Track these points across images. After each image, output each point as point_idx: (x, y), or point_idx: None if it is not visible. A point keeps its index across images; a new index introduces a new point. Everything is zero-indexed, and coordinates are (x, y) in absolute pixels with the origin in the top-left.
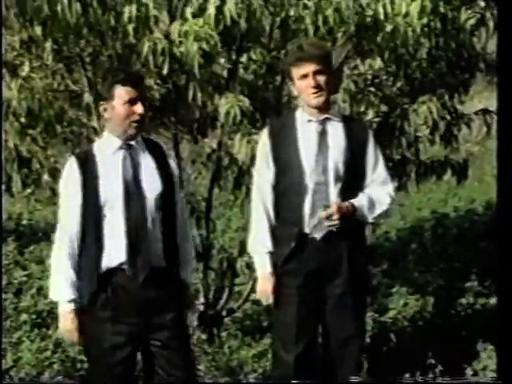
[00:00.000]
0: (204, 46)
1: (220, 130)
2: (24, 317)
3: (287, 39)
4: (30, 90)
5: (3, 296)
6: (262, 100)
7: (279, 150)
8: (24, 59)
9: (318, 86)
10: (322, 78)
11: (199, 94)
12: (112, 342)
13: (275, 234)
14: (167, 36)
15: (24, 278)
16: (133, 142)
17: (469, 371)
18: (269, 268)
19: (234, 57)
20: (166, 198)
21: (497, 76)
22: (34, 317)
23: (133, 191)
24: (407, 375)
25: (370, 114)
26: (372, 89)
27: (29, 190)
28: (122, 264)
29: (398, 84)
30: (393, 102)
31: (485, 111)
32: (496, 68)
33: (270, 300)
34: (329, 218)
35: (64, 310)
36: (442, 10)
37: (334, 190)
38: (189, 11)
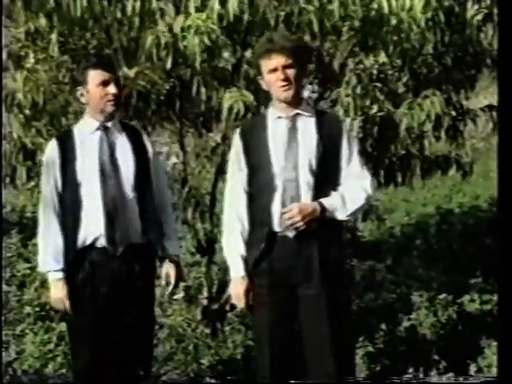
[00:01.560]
0: (206, 40)
1: (224, 123)
2: (27, 309)
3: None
4: (35, 82)
5: (7, 289)
6: (267, 94)
7: (251, 151)
8: (29, 51)
9: (286, 79)
10: (291, 72)
11: (203, 89)
12: (91, 317)
13: (248, 236)
14: (171, 30)
15: (27, 271)
16: (109, 124)
17: (473, 367)
18: (241, 271)
19: (238, 51)
20: (141, 179)
21: (497, 73)
22: (37, 309)
23: (108, 170)
24: (410, 370)
25: (375, 109)
26: (377, 84)
27: (33, 183)
28: (98, 239)
29: (404, 79)
30: (398, 97)
31: (490, 107)
32: (497, 65)
33: (243, 304)
34: (291, 218)
35: (53, 279)
36: (446, 4)
37: (305, 187)
38: (192, 5)
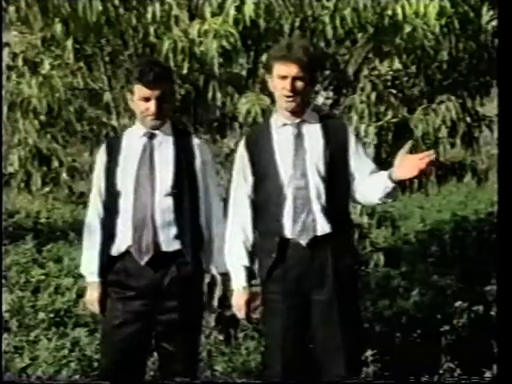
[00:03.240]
0: (224, 43)
1: (238, 130)
2: (41, 315)
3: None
4: (50, 88)
5: (21, 294)
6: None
7: (257, 160)
8: (44, 57)
9: (293, 91)
10: (300, 84)
11: (219, 94)
12: (121, 320)
13: (256, 246)
14: (187, 35)
15: (42, 277)
16: (157, 131)
17: (488, 375)
18: (243, 282)
19: (252, 56)
20: (182, 184)
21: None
22: (51, 315)
23: (144, 178)
24: (425, 379)
25: (389, 115)
26: (392, 90)
27: (47, 189)
28: (128, 249)
29: (419, 85)
30: (412, 104)
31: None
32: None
33: (243, 314)
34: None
35: (89, 281)
36: (460, 10)
37: (315, 193)
38: (208, 11)
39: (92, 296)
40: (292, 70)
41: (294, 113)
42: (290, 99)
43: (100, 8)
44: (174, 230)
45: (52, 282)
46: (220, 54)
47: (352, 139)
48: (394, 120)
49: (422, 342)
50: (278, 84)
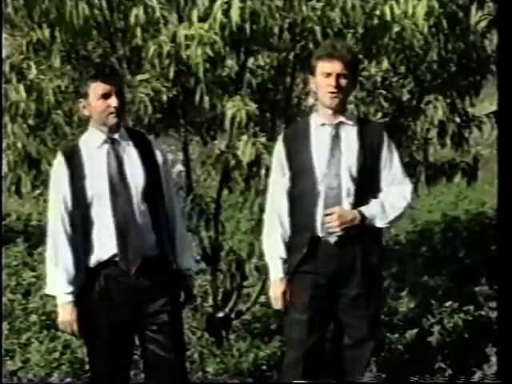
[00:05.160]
0: (208, 50)
1: (229, 131)
2: (33, 318)
3: (296, 41)
4: (39, 91)
5: (12, 297)
6: (271, 102)
7: (294, 157)
8: (31, 62)
9: (337, 87)
10: (343, 81)
11: (206, 97)
12: (107, 332)
13: (290, 239)
14: (174, 39)
15: (33, 279)
16: (116, 136)
17: (479, 375)
18: (280, 274)
19: (242, 59)
20: (152, 189)
21: (497, 79)
22: (42, 318)
23: (118, 185)
24: (416, 379)
25: (379, 116)
26: (381, 91)
27: (38, 191)
28: (113, 257)
29: (408, 86)
30: (402, 104)
31: (495, 113)
32: (496, 70)
33: (280, 305)
34: (330, 222)
35: (62, 302)
36: (449, 10)
37: (346, 194)
38: (195, 15)
39: (67, 317)
40: (336, 66)
41: (335, 112)
42: (334, 95)
43: (87, 12)
44: (153, 235)
45: (43, 284)
46: (205, 60)
47: (385, 146)
48: (384, 120)
49: (412, 342)
50: (321, 82)
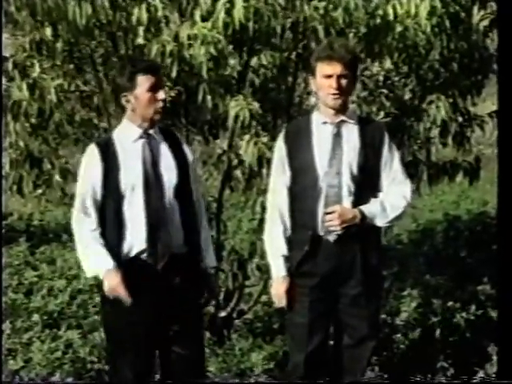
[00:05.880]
0: (211, 50)
1: (231, 131)
2: (35, 317)
3: (298, 40)
4: (41, 90)
5: (14, 296)
6: (273, 101)
7: (294, 154)
8: (34, 60)
9: (339, 89)
10: (344, 82)
11: (209, 97)
12: (132, 326)
13: (291, 237)
14: (176, 38)
15: (35, 279)
16: (151, 131)
17: (481, 374)
18: (282, 272)
19: (245, 58)
20: (183, 187)
21: (497, 78)
22: (44, 317)
23: (152, 180)
24: (418, 378)
25: (381, 115)
26: (383, 90)
27: (40, 191)
28: (142, 252)
29: (410, 85)
30: (404, 103)
31: (497, 113)
32: (497, 70)
33: (283, 303)
34: (331, 221)
35: (105, 270)
36: (451, 10)
37: (346, 193)
38: (198, 14)
39: (115, 280)
40: (336, 68)
41: (338, 111)
42: (336, 96)
43: (90, 11)
44: (181, 232)
45: (45, 284)
46: (208, 59)
47: (386, 145)
48: (386, 120)
49: (414, 342)
50: (323, 83)
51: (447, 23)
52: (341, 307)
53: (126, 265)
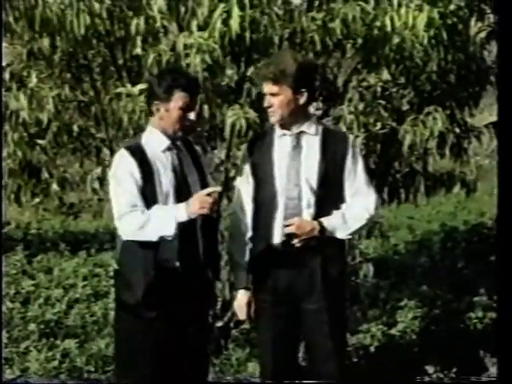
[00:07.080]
0: (207, 58)
1: (228, 140)
2: (32, 326)
3: (296, 51)
4: (39, 100)
5: (11, 305)
6: None
7: (257, 165)
8: (31, 70)
9: (269, 107)
10: (275, 100)
11: (205, 106)
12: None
13: (251, 249)
14: (173, 48)
15: (32, 288)
16: (179, 143)
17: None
18: (243, 283)
19: (242, 68)
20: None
21: (497, 90)
22: (41, 326)
23: (183, 190)
24: None
25: (378, 126)
26: (380, 101)
27: (37, 200)
28: (170, 261)
29: (407, 96)
30: (401, 115)
31: (494, 124)
32: (496, 80)
33: (244, 315)
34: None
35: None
36: (449, 22)
37: (306, 205)
38: (194, 24)
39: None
40: (266, 87)
41: (282, 126)
42: (271, 113)
43: (88, 21)
44: (202, 242)
45: (42, 293)
46: (204, 69)
47: (350, 156)
48: (383, 131)
49: (411, 352)
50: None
51: (444, 35)
52: (304, 323)
53: (157, 271)
